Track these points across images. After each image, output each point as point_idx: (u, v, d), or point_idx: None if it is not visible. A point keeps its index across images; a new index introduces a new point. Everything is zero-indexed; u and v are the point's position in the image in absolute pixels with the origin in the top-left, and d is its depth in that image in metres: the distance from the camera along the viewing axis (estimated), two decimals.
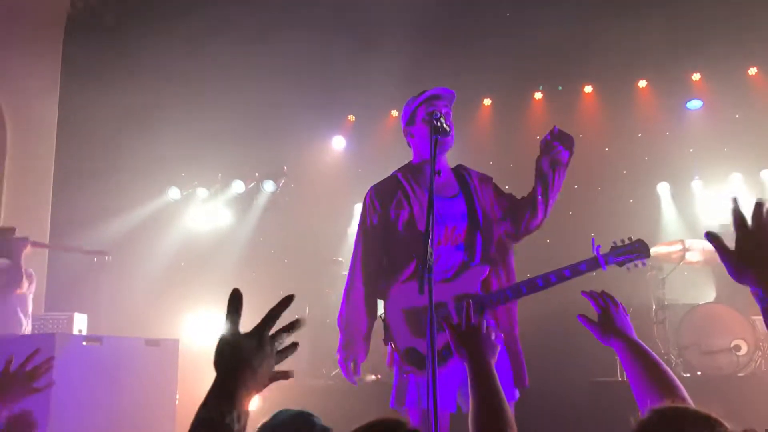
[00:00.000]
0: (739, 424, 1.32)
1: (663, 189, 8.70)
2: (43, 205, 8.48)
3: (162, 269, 8.57)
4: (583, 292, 2.29)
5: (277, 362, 1.51)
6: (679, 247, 6.79)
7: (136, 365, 5.29)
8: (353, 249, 3.45)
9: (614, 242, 3.10)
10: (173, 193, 9.04)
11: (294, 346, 1.56)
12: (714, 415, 1.34)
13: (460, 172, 3.45)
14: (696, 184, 8.58)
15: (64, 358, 4.71)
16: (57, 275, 8.06)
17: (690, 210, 8.48)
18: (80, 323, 5.40)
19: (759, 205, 1.56)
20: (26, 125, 8.26)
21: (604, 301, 2.23)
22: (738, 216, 1.55)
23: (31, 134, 8.39)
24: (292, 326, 1.54)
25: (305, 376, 7.16)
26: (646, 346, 2.06)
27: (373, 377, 7.00)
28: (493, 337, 2.18)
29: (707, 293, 6.91)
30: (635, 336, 2.12)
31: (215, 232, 9.15)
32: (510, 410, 1.95)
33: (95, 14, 8.95)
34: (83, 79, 8.26)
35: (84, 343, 5.04)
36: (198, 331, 8.22)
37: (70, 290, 7.71)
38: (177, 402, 5.76)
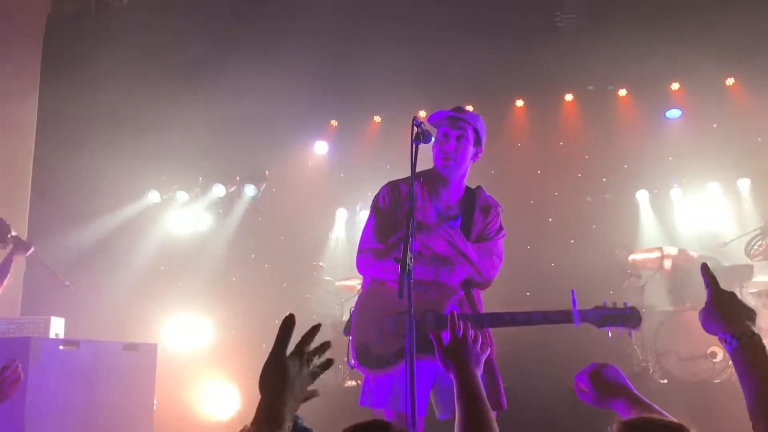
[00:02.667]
0: (713, 431, 1.37)
1: (642, 197, 8.79)
2: (21, 207, 8.37)
3: (141, 273, 8.49)
4: (577, 377, 2.18)
5: (312, 381, 1.66)
6: (657, 254, 6.86)
7: (114, 369, 5.23)
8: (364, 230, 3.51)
9: (604, 302, 3.04)
10: (153, 196, 8.96)
11: (329, 362, 1.70)
12: (680, 423, 1.40)
13: (470, 195, 3.44)
14: (675, 192, 8.69)
15: (41, 363, 4.66)
16: (34, 278, 7.96)
17: (668, 218, 8.59)
18: (57, 327, 5.33)
19: (705, 267, 1.76)
20: (5, 127, 8.15)
21: (594, 374, 2.14)
22: (709, 277, 1.72)
23: (10, 136, 8.28)
24: (323, 348, 1.70)
25: None
26: (647, 400, 2.00)
27: (353, 383, 6.99)
28: (478, 348, 2.20)
29: (685, 300, 6.99)
30: (633, 389, 2.06)
31: (195, 236, 9.09)
32: (494, 420, 1.97)
33: (76, 16, 8.88)
34: (63, 80, 8.18)
35: (61, 347, 4.98)
36: (177, 336, 8.17)
37: (48, 293, 7.61)
38: (155, 407, 5.72)
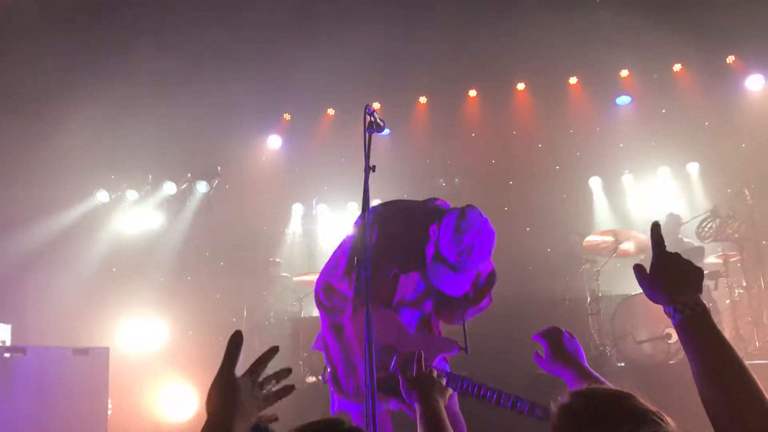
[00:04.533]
0: (670, 410, 1.38)
1: (595, 183, 8.92)
2: None
3: (91, 275, 8.26)
4: (535, 336, 2.20)
5: (266, 406, 1.56)
6: (610, 238, 6.95)
7: (64, 376, 5.07)
8: None
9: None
10: (101, 196, 8.73)
11: (288, 389, 1.60)
12: (629, 391, 1.42)
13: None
14: (626, 178, 8.83)
15: None
16: None
17: (621, 202, 8.74)
18: (3, 334, 5.16)
19: (656, 226, 1.67)
20: None
21: (552, 334, 2.18)
22: (656, 237, 1.65)
23: None
24: (280, 375, 1.61)
25: None
26: (597, 374, 2.04)
27: (314, 379, 6.92)
28: (444, 383, 2.30)
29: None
30: (586, 363, 2.10)
31: (147, 235, 8.89)
32: None
33: (16, 12, 8.56)
34: (4, 78, 7.89)
35: (6, 355, 4.80)
36: (131, 338, 7.98)
37: None
38: (110, 412, 5.57)
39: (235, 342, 1.51)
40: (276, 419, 1.59)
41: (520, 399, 2.64)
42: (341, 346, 3.05)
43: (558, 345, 2.14)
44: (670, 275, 1.59)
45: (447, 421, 2.08)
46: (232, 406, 1.46)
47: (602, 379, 1.97)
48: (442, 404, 2.18)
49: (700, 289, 1.59)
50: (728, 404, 1.39)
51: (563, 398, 1.46)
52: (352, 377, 2.99)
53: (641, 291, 1.62)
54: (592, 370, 2.05)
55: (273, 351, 1.59)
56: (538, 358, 2.17)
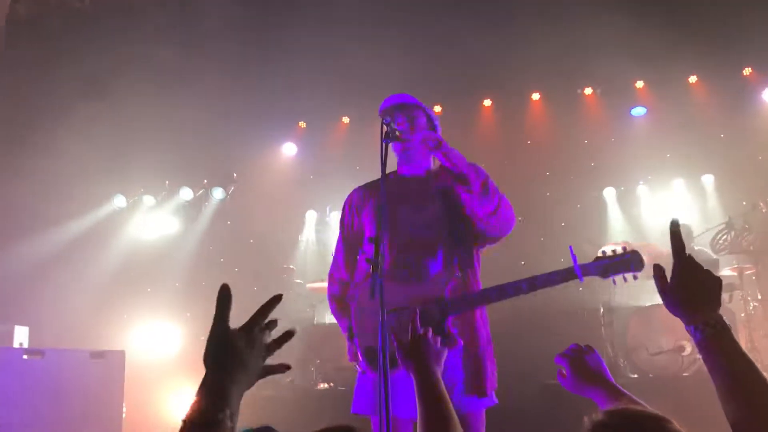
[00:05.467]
0: (683, 423, 1.37)
1: (609, 194, 8.89)
2: None
3: (108, 279, 8.35)
4: (557, 359, 2.10)
5: (268, 355, 1.52)
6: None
7: (81, 378, 5.13)
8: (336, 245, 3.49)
9: (603, 251, 2.94)
10: (119, 200, 8.83)
11: (288, 334, 1.55)
12: (661, 414, 1.39)
13: (443, 175, 3.25)
14: (641, 189, 8.80)
15: (4, 373, 4.55)
16: None
17: (635, 214, 8.70)
18: (21, 336, 5.22)
19: (675, 226, 1.63)
20: None
21: (573, 353, 2.08)
22: (677, 243, 1.61)
23: None
24: (285, 337, 1.55)
25: (257, 387, 7.05)
26: (627, 391, 1.93)
27: (326, 385, 6.95)
28: (438, 346, 2.18)
29: (653, 295, 7.07)
30: (612, 379, 2.00)
31: (163, 240, 8.97)
32: (456, 418, 1.94)
33: (35, 17, 8.70)
34: (24, 82, 8.01)
35: (25, 357, 4.87)
36: (146, 342, 8.04)
37: (11, 302, 7.45)
38: (124, 415, 5.62)
39: (223, 295, 1.48)
40: (288, 368, 1.56)
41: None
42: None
43: (581, 364, 2.04)
44: (690, 288, 1.58)
45: (446, 395, 2.01)
46: (229, 360, 1.44)
47: (635, 398, 1.87)
48: (439, 373, 2.10)
49: (719, 303, 1.59)
50: (754, 422, 1.39)
51: (598, 416, 1.41)
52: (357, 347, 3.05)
53: (655, 303, 1.63)
54: (622, 389, 1.95)
55: (276, 299, 1.55)
56: (562, 378, 2.08)
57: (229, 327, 1.47)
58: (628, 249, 2.93)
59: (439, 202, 3.18)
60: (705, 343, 1.52)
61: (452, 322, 2.96)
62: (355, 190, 3.48)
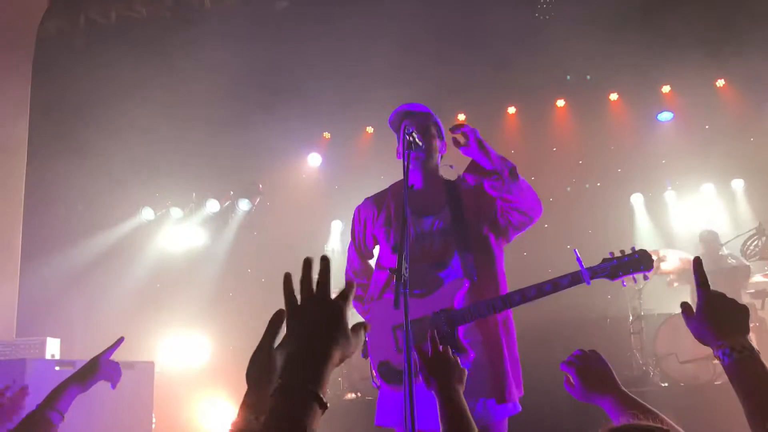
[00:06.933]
0: None
1: (637, 200, 8.80)
2: (15, 227, 8.32)
3: (136, 291, 8.45)
4: (562, 366, 2.04)
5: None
6: (653, 257, 6.85)
7: (110, 389, 5.17)
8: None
9: (610, 253, 2.88)
10: (147, 213, 8.94)
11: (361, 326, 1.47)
12: (668, 429, 1.37)
13: (453, 184, 3.27)
14: (669, 195, 8.70)
15: (36, 384, 4.60)
16: (28, 299, 7.91)
17: (664, 220, 8.60)
18: (53, 348, 5.28)
19: (698, 263, 1.66)
20: None
21: (579, 360, 2.01)
22: (700, 276, 1.64)
23: (1, 156, 8.25)
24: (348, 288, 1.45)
25: None
26: (637, 398, 1.88)
27: (353, 395, 6.94)
28: (459, 363, 2.17)
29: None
30: (622, 387, 1.92)
31: (190, 252, 9.06)
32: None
33: (65, 37, 8.86)
34: (53, 100, 8.16)
35: (57, 368, 4.93)
36: (174, 353, 8.11)
37: (43, 314, 7.57)
38: (153, 426, 5.66)
39: (277, 319, 1.56)
40: (369, 328, 1.53)
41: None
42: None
43: (588, 371, 1.96)
44: (717, 318, 1.59)
45: (468, 413, 2.00)
46: (269, 377, 1.50)
47: (648, 406, 1.81)
48: (461, 391, 2.08)
49: (747, 330, 1.59)
50: None
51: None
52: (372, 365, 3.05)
53: None
54: (634, 396, 1.88)
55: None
56: (569, 386, 2.00)
57: (273, 348, 1.55)
58: (637, 249, 2.86)
59: (450, 210, 3.17)
60: (733, 368, 1.51)
61: (464, 332, 2.94)
62: (364, 202, 3.50)
